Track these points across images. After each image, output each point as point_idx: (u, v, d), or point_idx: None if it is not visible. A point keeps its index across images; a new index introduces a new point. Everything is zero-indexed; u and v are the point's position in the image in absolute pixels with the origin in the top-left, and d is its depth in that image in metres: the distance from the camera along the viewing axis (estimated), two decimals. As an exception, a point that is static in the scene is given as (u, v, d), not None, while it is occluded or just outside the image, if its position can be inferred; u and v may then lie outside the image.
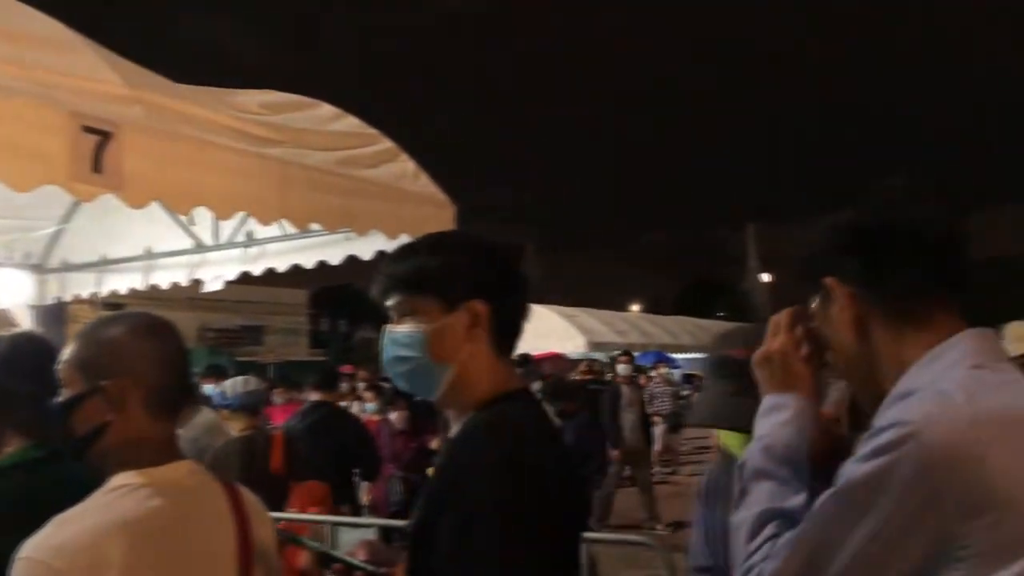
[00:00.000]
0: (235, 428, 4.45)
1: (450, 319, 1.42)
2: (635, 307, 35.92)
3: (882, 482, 1.00)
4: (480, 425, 1.39)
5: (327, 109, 3.68)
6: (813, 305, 1.28)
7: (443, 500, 1.31)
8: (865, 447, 1.04)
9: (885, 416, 1.06)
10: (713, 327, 20.19)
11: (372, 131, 3.70)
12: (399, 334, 1.44)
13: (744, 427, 1.74)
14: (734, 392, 1.76)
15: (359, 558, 1.43)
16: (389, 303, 1.47)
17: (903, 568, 0.99)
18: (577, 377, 12.11)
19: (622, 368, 9.62)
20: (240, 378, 4.63)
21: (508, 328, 1.46)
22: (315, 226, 4.06)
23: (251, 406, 4.46)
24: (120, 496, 1.39)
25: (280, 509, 3.86)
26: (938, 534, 0.97)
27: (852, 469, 1.05)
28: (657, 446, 12.76)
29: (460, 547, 1.25)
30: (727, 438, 1.89)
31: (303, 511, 3.92)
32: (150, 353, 1.49)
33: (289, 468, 4.12)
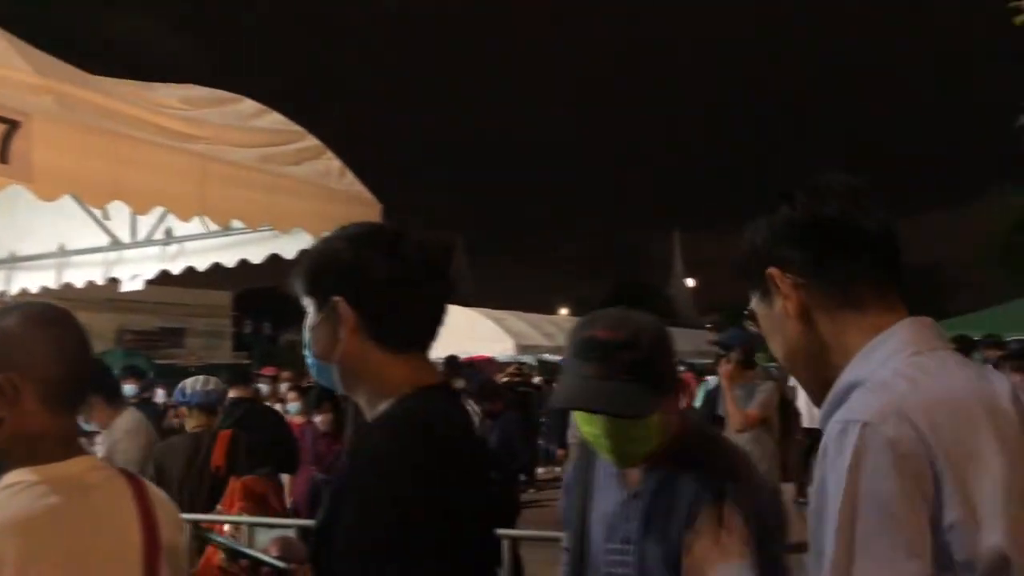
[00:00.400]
0: (190, 425, 4.55)
1: (320, 318, 1.40)
2: (563, 311, 36.12)
3: (865, 494, 0.98)
4: (382, 422, 1.35)
5: (249, 104, 3.61)
6: (753, 301, 1.29)
7: (343, 497, 1.28)
8: (829, 461, 1.03)
9: (837, 416, 1.06)
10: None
11: (296, 128, 3.65)
12: (305, 332, 1.44)
13: (602, 409, 1.70)
14: (595, 375, 1.70)
15: (271, 554, 1.40)
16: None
17: (925, 552, 0.97)
18: (505, 379, 12.17)
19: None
20: (201, 377, 4.74)
21: (390, 323, 1.39)
22: (237, 224, 3.99)
23: (208, 405, 4.57)
24: (13, 494, 1.34)
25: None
26: (930, 515, 0.97)
27: (829, 493, 1.02)
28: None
29: (354, 546, 1.21)
30: (584, 425, 1.80)
31: (233, 506, 3.94)
32: (44, 345, 1.42)
33: (230, 464, 4.17)
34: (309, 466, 5.83)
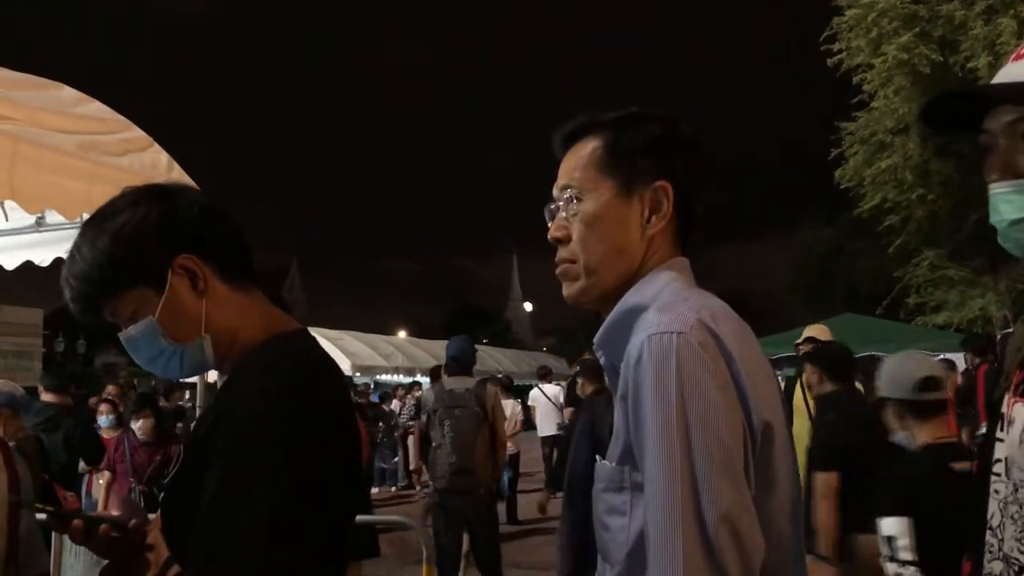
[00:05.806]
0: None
1: (167, 293, 1.25)
2: (402, 333, 35.98)
3: (691, 396, 1.05)
4: (248, 365, 1.22)
5: (70, 92, 3.42)
6: (600, 190, 1.27)
7: (205, 445, 1.15)
8: (650, 369, 1.08)
9: (644, 331, 1.12)
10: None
11: (121, 118, 3.48)
12: (134, 341, 1.27)
13: None
14: None
15: (113, 515, 1.29)
16: (107, 316, 1.28)
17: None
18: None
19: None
20: None
21: (230, 255, 1.31)
22: (52, 218, 3.75)
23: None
24: None
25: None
26: (739, 402, 1.09)
27: (646, 400, 1.07)
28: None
29: (224, 491, 1.09)
30: None
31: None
32: None
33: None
34: (128, 478, 5.49)
